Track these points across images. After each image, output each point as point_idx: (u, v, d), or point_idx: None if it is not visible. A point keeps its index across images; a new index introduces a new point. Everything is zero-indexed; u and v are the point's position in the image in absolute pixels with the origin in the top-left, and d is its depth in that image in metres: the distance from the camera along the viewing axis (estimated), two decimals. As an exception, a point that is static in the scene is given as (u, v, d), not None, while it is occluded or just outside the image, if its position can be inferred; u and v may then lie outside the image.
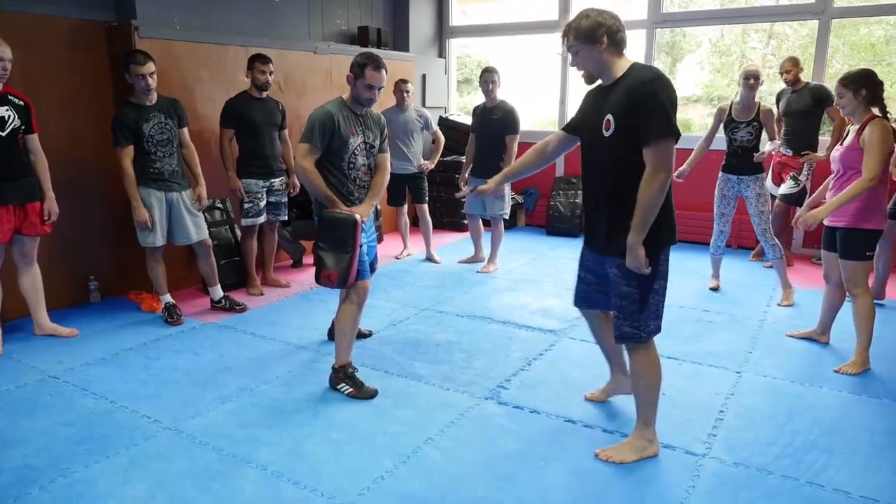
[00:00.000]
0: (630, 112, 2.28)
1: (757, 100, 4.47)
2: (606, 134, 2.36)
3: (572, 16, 2.43)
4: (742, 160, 4.49)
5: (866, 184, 3.15)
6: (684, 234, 6.26)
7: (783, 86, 5.36)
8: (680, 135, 2.29)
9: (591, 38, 2.34)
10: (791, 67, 5.22)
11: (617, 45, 2.36)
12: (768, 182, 5.16)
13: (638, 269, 2.35)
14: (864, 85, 3.24)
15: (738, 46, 9.72)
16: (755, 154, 4.44)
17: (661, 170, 2.27)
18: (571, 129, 2.66)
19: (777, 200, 5.28)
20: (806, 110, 5.12)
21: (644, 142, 2.27)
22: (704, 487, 2.42)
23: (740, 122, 4.47)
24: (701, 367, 3.48)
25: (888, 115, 3.28)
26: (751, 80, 4.38)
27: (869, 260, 3.35)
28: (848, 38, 8.61)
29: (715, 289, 4.86)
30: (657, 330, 2.53)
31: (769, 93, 6.10)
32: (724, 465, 2.57)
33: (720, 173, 4.66)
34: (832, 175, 3.47)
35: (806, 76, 5.39)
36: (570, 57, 2.46)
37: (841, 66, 7.94)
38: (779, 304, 4.48)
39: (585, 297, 2.78)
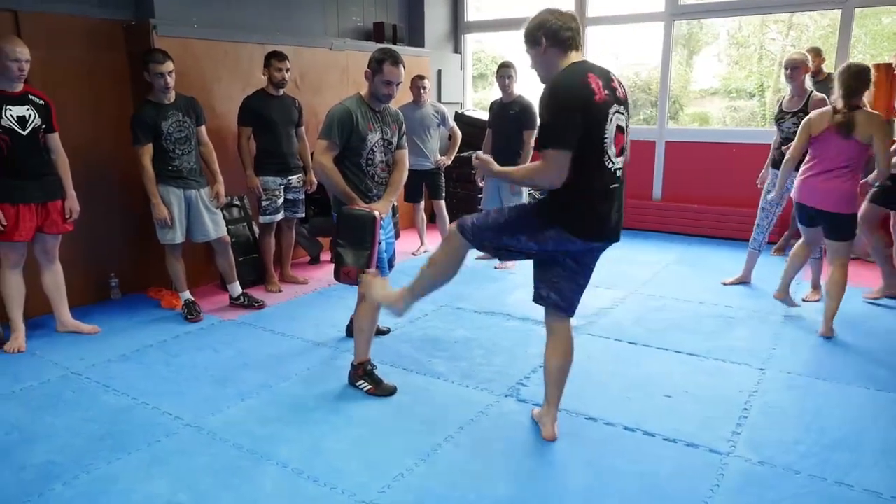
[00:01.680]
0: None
1: (808, 88, 4.37)
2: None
3: (575, 10, 2.42)
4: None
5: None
6: (704, 230, 6.20)
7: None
8: (557, 144, 2.26)
9: (533, 40, 2.38)
10: (813, 58, 5.13)
11: (560, 44, 2.36)
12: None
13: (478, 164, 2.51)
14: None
15: (756, 38, 9.60)
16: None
17: (544, 169, 2.32)
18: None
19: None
20: None
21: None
22: (729, 487, 2.38)
23: (787, 113, 4.40)
24: (723, 364, 3.44)
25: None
26: (788, 70, 4.30)
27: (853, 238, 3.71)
28: (870, 27, 8.47)
29: (730, 283, 4.82)
30: (474, 231, 2.54)
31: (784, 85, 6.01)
32: (750, 463, 2.53)
33: (770, 169, 4.58)
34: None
35: (828, 67, 5.30)
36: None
37: (863, 57, 7.81)
38: (804, 300, 4.43)
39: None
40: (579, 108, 2.24)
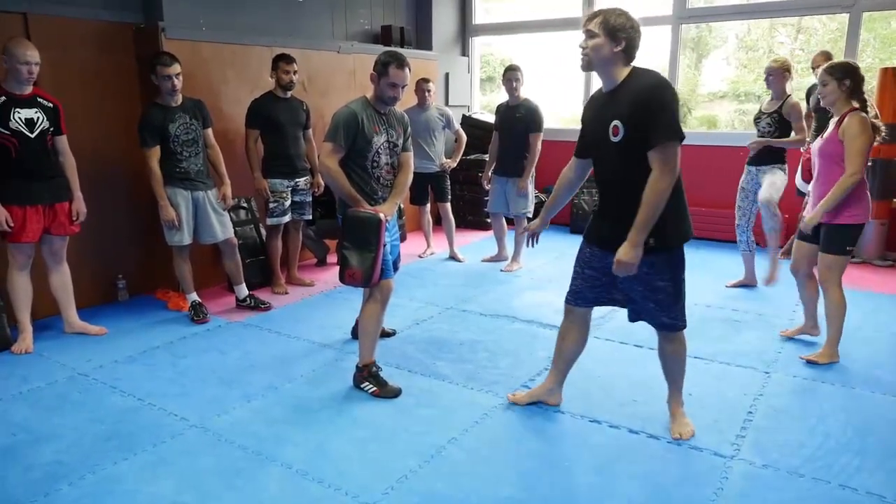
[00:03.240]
0: (637, 116, 2.34)
1: (788, 92, 4.41)
2: (615, 139, 2.42)
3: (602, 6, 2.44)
4: (760, 150, 4.49)
5: (850, 180, 3.19)
6: (712, 233, 6.19)
7: (814, 80, 5.26)
8: (684, 137, 2.34)
9: (614, 36, 2.38)
10: (822, 62, 5.10)
11: (628, 53, 2.42)
12: (798, 179, 5.07)
13: (626, 270, 2.42)
14: (849, 76, 3.27)
15: (765, 41, 9.56)
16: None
17: (666, 172, 2.33)
18: (582, 152, 2.73)
19: (807, 196, 5.19)
20: None
21: (650, 145, 2.32)
22: (733, 490, 2.38)
23: (763, 114, 4.50)
24: (729, 368, 3.43)
25: (867, 110, 3.30)
26: (767, 76, 4.43)
27: (847, 255, 3.37)
28: (879, 31, 8.42)
29: (732, 285, 4.83)
30: (686, 318, 2.66)
31: (798, 87, 5.99)
32: (754, 467, 2.52)
33: (746, 167, 4.64)
34: (814, 169, 3.50)
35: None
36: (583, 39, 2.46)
37: (872, 61, 7.76)
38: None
39: (581, 294, 2.78)
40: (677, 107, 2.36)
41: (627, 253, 2.39)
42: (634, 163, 2.37)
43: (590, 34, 2.42)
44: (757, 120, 4.54)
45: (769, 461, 2.55)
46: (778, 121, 4.40)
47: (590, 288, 2.73)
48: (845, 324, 3.55)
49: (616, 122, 2.39)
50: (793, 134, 4.41)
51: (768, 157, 4.46)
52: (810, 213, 3.40)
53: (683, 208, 2.50)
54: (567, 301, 2.84)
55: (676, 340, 2.69)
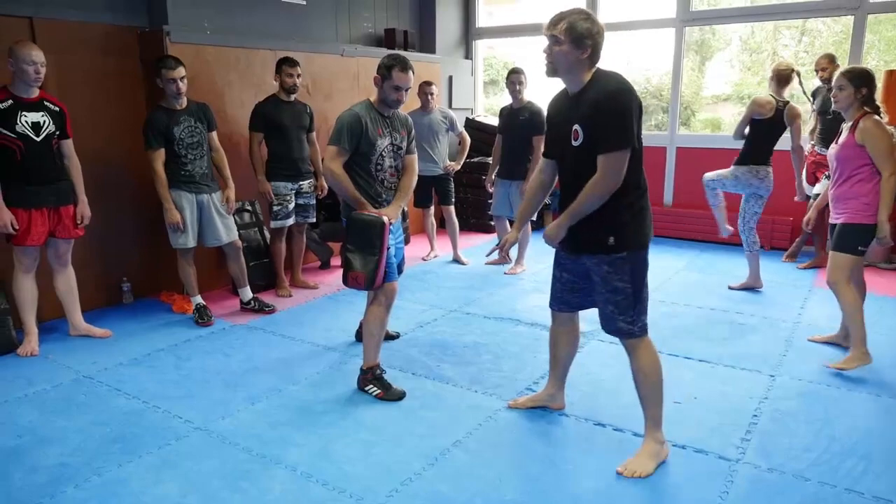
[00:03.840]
0: (595, 121, 2.34)
1: (787, 98, 4.41)
2: (575, 143, 2.42)
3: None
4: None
5: (893, 179, 3.18)
6: (716, 235, 6.16)
7: (818, 83, 5.25)
8: (633, 145, 2.33)
9: (580, 43, 2.35)
10: (827, 65, 5.11)
11: (593, 58, 2.41)
12: (803, 182, 5.05)
13: (550, 243, 2.56)
14: (867, 84, 3.27)
15: (769, 44, 9.55)
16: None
17: (609, 177, 2.34)
18: (549, 152, 2.69)
19: (811, 200, 5.18)
20: None
21: (599, 149, 2.33)
22: (738, 494, 2.37)
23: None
24: (733, 371, 3.42)
25: (880, 114, 3.31)
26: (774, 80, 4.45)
27: (860, 255, 3.35)
28: (884, 33, 8.41)
29: (737, 287, 4.84)
30: (646, 326, 2.54)
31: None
32: (759, 470, 2.51)
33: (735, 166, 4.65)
34: (831, 174, 3.47)
35: (840, 73, 5.26)
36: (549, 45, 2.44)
37: (877, 63, 7.76)
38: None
39: (561, 298, 2.76)
40: (638, 113, 2.36)
41: (552, 229, 2.52)
42: (594, 167, 2.36)
43: (555, 40, 2.38)
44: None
45: (775, 465, 2.54)
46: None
47: (569, 291, 2.71)
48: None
49: (577, 126, 2.39)
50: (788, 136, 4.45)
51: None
52: (835, 222, 3.39)
53: (646, 213, 2.48)
54: (551, 306, 2.83)
55: (640, 355, 2.52)
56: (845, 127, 3.37)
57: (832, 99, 3.42)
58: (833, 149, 3.44)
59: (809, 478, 2.46)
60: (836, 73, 3.40)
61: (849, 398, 3.11)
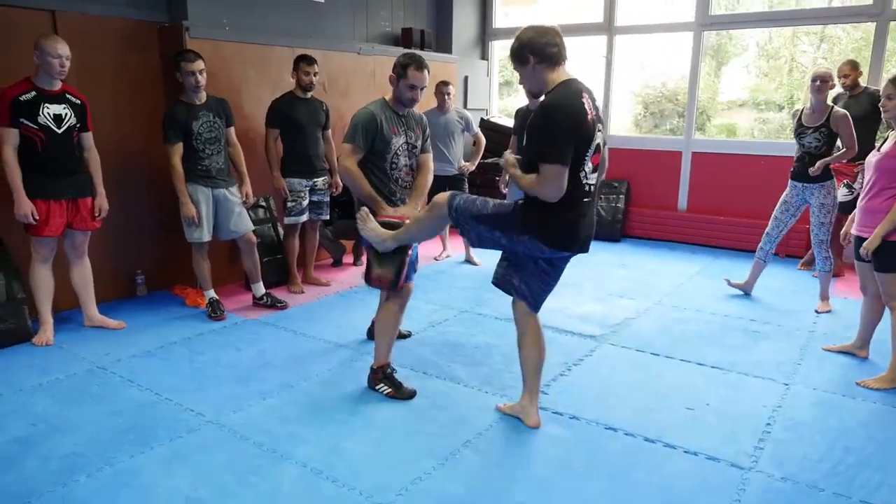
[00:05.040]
0: (528, 130, 2.48)
1: (829, 104, 4.33)
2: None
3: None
4: (807, 167, 4.32)
5: None
6: (731, 242, 6.13)
7: (840, 90, 5.20)
8: (559, 161, 2.36)
9: (520, 59, 2.48)
10: (850, 72, 5.05)
11: (548, 59, 2.46)
12: None
13: (503, 163, 2.66)
14: None
15: (787, 50, 9.48)
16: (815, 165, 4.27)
17: (542, 185, 2.40)
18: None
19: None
20: (864, 116, 4.91)
21: (536, 158, 2.42)
22: (750, 502, 2.35)
23: (808, 128, 4.33)
24: (747, 378, 3.39)
25: None
26: (817, 81, 4.24)
27: None
28: (905, 41, 8.32)
29: (734, 286, 4.81)
30: (458, 210, 2.70)
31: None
32: (772, 479, 2.49)
33: (790, 181, 4.52)
34: (865, 182, 3.36)
35: (862, 80, 5.22)
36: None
37: (897, 71, 7.67)
38: (816, 311, 4.47)
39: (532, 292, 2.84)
40: (576, 127, 2.38)
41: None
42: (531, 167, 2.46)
43: (515, 69, 2.53)
44: (801, 135, 4.36)
45: (788, 474, 2.52)
46: (828, 134, 4.26)
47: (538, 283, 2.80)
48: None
49: (524, 134, 2.51)
50: (838, 143, 4.33)
51: (823, 173, 4.30)
52: (866, 243, 3.24)
53: (556, 215, 2.49)
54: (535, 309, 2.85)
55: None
56: (892, 135, 3.25)
57: (881, 108, 3.29)
58: (874, 156, 3.31)
59: (823, 488, 2.43)
60: (884, 82, 3.28)
61: (864, 409, 3.08)
